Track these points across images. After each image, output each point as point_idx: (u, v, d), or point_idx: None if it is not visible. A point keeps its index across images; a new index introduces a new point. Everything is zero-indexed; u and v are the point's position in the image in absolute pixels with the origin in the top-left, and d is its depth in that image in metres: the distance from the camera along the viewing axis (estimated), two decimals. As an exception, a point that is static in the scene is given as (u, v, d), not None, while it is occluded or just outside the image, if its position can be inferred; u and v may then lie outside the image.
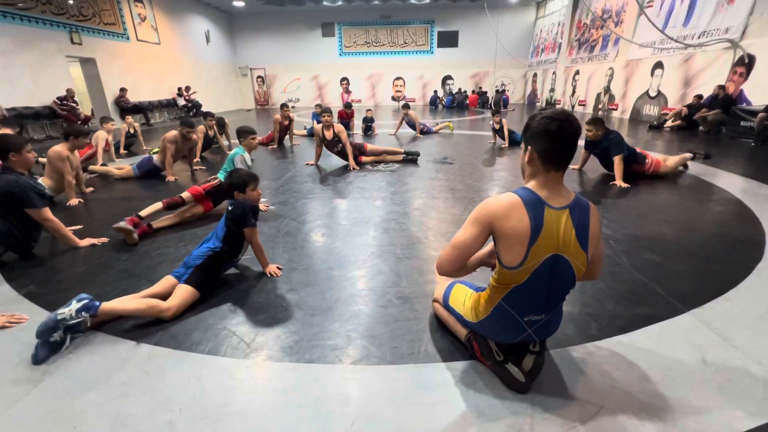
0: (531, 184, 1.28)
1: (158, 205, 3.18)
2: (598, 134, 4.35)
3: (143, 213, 3.06)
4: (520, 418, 1.30)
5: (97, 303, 1.78)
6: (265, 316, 1.93)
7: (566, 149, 1.22)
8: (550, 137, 1.19)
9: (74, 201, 3.88)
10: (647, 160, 4.42)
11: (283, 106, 7.72)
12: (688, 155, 4.84)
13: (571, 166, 4.77)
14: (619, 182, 4.22)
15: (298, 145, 7.58)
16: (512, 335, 1.44)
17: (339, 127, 5.25)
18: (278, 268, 2.41)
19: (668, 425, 1.27)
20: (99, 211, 3.76)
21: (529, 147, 1.26)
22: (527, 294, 1.32)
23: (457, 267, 1.37)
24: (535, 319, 1.38)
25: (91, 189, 4.42)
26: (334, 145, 5.32)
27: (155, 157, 5.05)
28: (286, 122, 7.53)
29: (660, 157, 4.63)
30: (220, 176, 3.54)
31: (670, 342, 1.67)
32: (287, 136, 7.77)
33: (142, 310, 1.85)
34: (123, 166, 5.20)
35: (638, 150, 4.46)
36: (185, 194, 3.34)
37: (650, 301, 1.99)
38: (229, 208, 2.22)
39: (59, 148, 3.76)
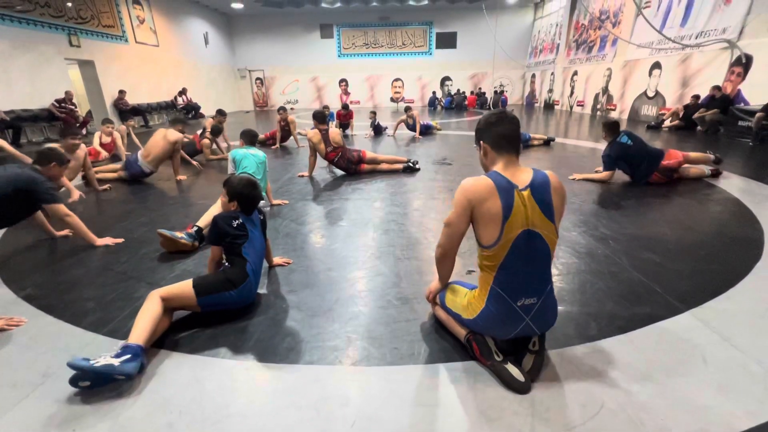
0: (497, 167, 1.44)
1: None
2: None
3: (201, 223, 2.85)
4: (520, 418, 1.30)
5: (138, 347, 1.52)
6: (265, 318, 1.93)
7: (510, 134, 1.43)
8: (495, 127, 1.44)
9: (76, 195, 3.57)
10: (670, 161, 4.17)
11: (280, 109, 7.64)
12: (711, 157, 4.51)
13: (597, 176, 4.39)
14: (576, 175, 4.47)
15: (303, 147, 7.19)
16: (510, 327, 1.45)
17: (332, 132, 5.12)
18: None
19: (668, 424, 1.27)
20: (97, 212, 3.76)
21: (481, 142, 1.49)
22: (513, 271, 1.40)
23: (453, 244, 1.53)
24: (528, 302, 1.42)
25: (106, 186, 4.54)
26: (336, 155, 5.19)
27: (140, 159, 4.76)
28: (282, 123, 7.49)
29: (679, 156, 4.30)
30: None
31: (669, 341, 1.67)
32: (291, 138, 7.64)
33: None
34: (115, 166, 5.02)
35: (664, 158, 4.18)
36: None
37: (650, 300, 1.99)
38: (261, 217, 2.16)
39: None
